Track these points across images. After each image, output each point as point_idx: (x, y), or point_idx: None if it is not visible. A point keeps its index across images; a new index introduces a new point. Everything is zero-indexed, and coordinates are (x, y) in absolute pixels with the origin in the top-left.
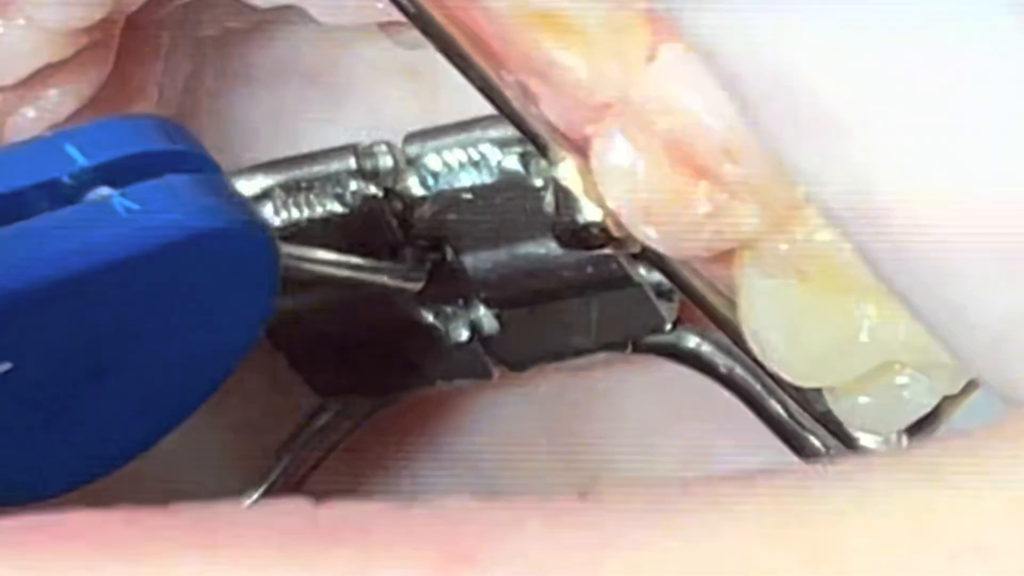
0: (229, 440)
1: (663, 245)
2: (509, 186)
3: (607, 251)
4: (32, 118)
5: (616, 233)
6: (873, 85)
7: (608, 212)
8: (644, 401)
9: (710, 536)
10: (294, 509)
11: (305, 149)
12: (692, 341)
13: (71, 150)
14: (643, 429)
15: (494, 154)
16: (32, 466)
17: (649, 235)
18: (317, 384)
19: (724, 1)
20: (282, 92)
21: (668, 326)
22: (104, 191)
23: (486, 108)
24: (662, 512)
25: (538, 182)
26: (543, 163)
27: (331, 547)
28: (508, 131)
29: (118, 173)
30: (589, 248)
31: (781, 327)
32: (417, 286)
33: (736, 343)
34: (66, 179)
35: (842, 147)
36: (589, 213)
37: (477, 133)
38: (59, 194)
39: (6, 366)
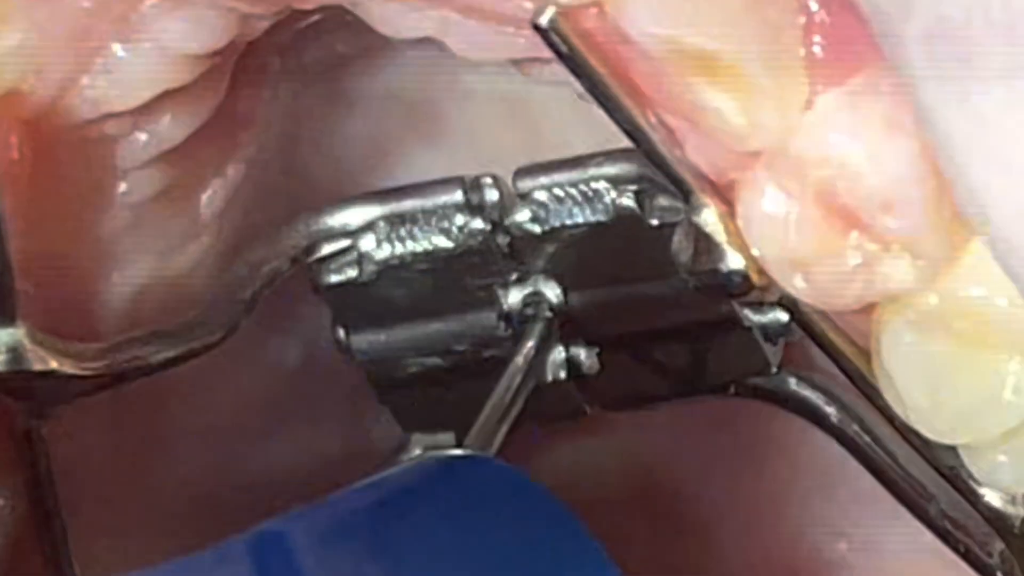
0: (315, 471)
1: (810, 296)
2: (623, 224)
3: (748, 299)
4: (144, 142)
5: (757, 281)
6: None
7: (751, 260)
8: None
9: None
10: None
11: (404, 178)
12: (793, 384)
13: None
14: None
15: (608, 191)
16: None
17: (797, 285)
18: (403, 418)
19: None
20: (384, 118)
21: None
22: None
23: (588, 143)
24: None
25: (653, 221)
26: (659, 202)
27: None
28: (622, 168)
29: None
30: (729, 296)
31: (925, 382)
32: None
33: (867, 395)
34: None
35: None
36: (731, 260)
37: (592, 170)
38: None
39: None
